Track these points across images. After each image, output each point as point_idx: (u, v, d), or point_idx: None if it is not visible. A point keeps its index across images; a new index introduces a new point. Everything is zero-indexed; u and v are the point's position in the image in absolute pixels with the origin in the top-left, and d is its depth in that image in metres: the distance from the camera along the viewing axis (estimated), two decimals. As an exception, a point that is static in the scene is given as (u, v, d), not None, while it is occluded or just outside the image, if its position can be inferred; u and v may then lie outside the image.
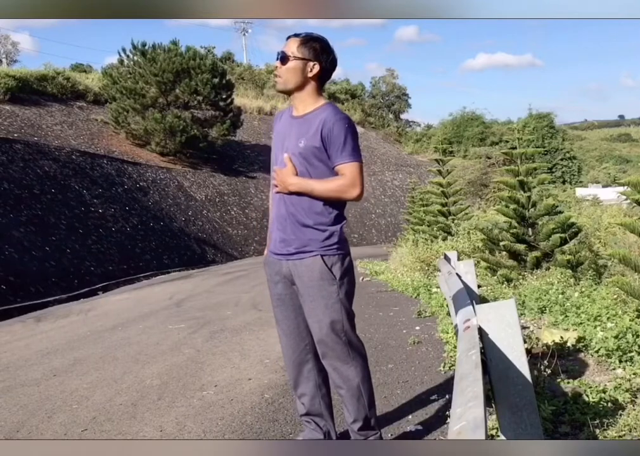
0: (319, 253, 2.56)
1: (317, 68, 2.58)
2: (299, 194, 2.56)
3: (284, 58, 2.56)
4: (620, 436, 2.74)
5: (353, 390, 2.64)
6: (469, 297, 3.16)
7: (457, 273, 4.60)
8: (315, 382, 2.76)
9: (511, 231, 7.79)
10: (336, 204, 2.59)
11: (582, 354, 4.08)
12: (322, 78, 2.62)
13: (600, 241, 9.07)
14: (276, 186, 2.63)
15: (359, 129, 38.33)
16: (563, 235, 7.52)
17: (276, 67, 2.61)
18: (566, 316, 4.94)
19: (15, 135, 18.34)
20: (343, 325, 2.60)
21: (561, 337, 4.19)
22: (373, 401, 2.72)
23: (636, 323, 4.15)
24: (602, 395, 3.18)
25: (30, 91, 23.43)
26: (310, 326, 2.65)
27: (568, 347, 4.15)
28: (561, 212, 8.26)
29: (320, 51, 2.58)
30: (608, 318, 4.52)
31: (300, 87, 2.60)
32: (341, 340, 2.60)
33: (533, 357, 3.78)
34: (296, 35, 2.61)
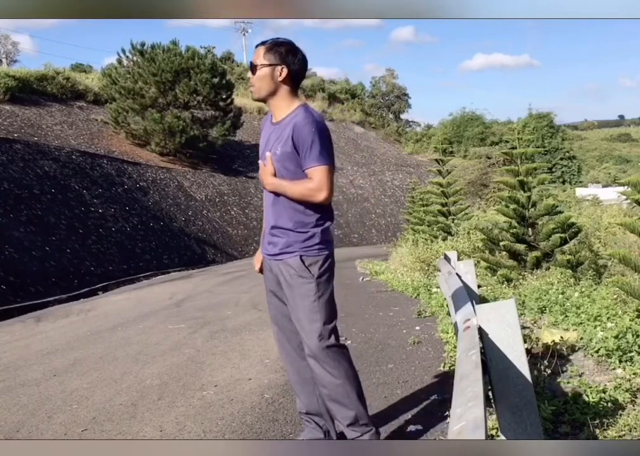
0: (299, 253, 2.63)
1: (285, 71, 2.62)
2: (277, 194, 2.66)
3: (253, 67, 2.63)
4: (620, 436, 2.74)
5: (338, 389, 2.63)
6: (469, 297, 3.16)
7: (457, 273, 4.59)
8: (313, 381, 2.76)
9: (511, 231, 7.79)
10: (317, 206, 2.64)
11: (581, 354, 4.08)
12: (294, 80, 2.67)
13: (600, 241, 9.06)
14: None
15: (359, 129, 38.35)
16: (563, 235, 7.52)
17: (250, 77, 2.67)
18: (566, 316, 4.94)
19: (15, 135, 18.35)
20: (320, 326, 2.61)
21: (561, 337, 4.19)
22: (362, 398, 2.71)
23: (636, 323, 4.15)
24: (602, 395, 3.18)
25: (30, 91, 23.44)
26: (295, 324, 2.69)
27: (568, 347, 4.15)
28: (561, 212, 8.26)
29: (285, 54, 2.62)
30: (608, 318, 4.52)
31: (273, 93, 2.65)
32: (318, 341, 2.61)
33: (533, 357, 3.79)
34: (262, 43, 2.66)
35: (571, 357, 4.06)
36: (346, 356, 2.70)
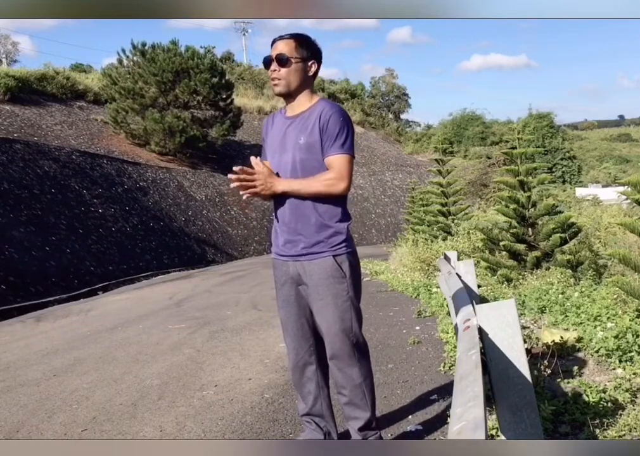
0: (330, 253, 2.55)
1: (315, 66, 2.63)
2: (292, 195, 2.54)
3: (285, 60, 2.55)
4: (620, 436, 2.74)
5: (357, 390, 2.64)
6: (469, 297, 3.16)
7: (457, 273, 4.59)
8: (317, 384, 2.76)
9: (511, 231, 7.79)
10: (339, 201, 2.58)
11: (581, 354, 4.08)
12: (315, 75, 2.67)
13: (600, 241, 9.06)
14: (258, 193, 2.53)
15: (359, 129, 38.33)
16: (563, 235, 7.51)
17: (274, 70, 2.57)
18: (566, 316, 4.94)
19: (15, 135, 18.35)
20: (352, 325, 2.60)
21: (561, 337, 4.19)
22: (374, 402, 2.73)
23: (636, 323, 4.15)
24: (602, 395, 3.18)
25: (30, 91, 23.44)
26: (319, 325, 2.64)
27: (568, 347, 4.15)
28: (561, 212, 8.25)
29: (316, 50, 2.63)
30: (608, 318, 4.52)
31: (301, 87, 2.61)
32: (349, 340, 2.60)
33: (533, 357, 3.78)
34: (282, 38, 2.60)
35: (571, 357, 4.06)
36: (368, 353, 2.73)
